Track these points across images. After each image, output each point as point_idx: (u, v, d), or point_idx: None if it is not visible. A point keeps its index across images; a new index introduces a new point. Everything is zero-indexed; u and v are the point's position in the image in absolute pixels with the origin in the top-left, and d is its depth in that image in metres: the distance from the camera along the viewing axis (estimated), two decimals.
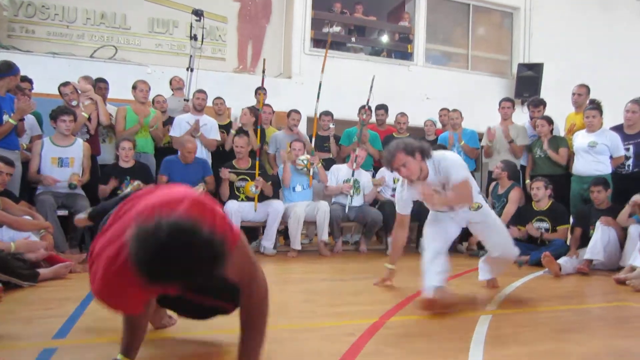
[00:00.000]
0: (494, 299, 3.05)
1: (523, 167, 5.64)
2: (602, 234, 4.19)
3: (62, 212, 4.49)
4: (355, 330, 2.28)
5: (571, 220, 4.89)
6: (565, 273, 4.06)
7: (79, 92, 4.98)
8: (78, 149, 4.63)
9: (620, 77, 8.47)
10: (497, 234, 3.15)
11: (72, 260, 3.77)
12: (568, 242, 4.69)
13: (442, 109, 6.50)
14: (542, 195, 4.80)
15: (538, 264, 4.42)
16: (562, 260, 4.17)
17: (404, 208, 3.21)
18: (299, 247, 4.93)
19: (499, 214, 4.75)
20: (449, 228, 3.14)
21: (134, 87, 5.24)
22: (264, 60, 5.93)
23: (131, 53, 7.30)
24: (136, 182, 4.60)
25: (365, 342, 2.12)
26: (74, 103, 4.82)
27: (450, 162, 2.92)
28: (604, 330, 2.51)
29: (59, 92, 4.93)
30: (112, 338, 2.08)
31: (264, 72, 5.68)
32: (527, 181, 5.31)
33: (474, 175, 5.71)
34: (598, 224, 4.29)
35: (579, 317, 2.77)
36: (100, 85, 5.41)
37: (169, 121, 5.51)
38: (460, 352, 2.01)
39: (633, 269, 3.76)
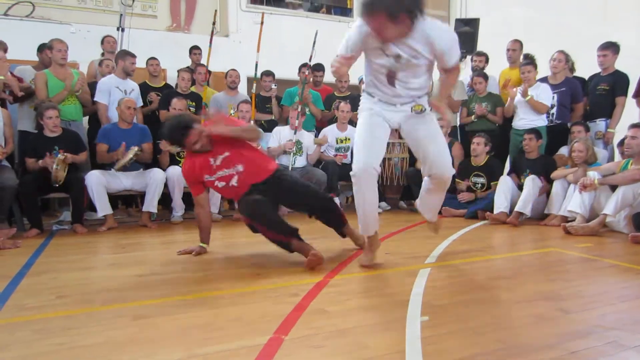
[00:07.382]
0: (432, 252, 3.18)
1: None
2: (532, 189, 4.43)
3: None
4: (300, 291, 2.31)
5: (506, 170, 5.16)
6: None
7: None
8: None
9: (553, 30, 8.69)
10: (434, 144, 2.69)
11: (1, 236, 3.57)
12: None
13: None
14: (480, 150, 4.98)
15: (474, 217, 4.67)
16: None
17: None
18: None
19: None
20: (381, 134, 2.70)
21: (50, 48, 4.70)
22: (215, 12, 5.77)
23: (51, 10, 6.73)
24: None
25: (309, 302, 2.15)
26: None
27: (446, 35, 2.45)
28: (532, 275, 2.67)
29: None
30: (44, 315, 2.01)
31: (214, 24, 5.55)
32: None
33: None
34: (528, 179, 4.51)
35: (510, 264, 2.94)
36: None
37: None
38: (400, 306, 2.08)
39: (564, 218, 4.19)
